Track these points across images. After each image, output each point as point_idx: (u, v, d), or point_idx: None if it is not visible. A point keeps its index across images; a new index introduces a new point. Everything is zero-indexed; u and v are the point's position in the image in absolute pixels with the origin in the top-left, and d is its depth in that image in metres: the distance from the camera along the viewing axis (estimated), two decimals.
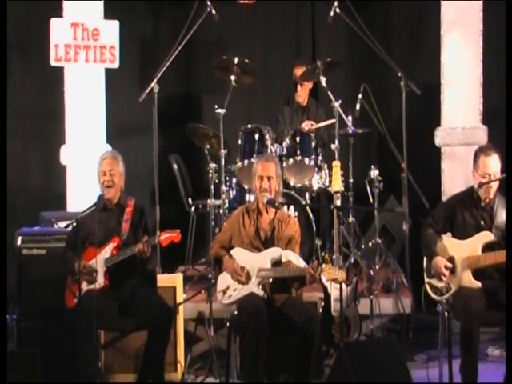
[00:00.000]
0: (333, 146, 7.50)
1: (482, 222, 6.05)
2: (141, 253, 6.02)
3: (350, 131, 7.55)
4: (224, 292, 6.09)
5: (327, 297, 6.62)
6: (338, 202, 7.13)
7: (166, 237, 6.08)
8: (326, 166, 7.66)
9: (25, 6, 8.42)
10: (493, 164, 6.01)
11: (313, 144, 7.68)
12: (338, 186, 7.10)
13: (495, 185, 6.03)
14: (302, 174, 7.66)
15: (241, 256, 6.09)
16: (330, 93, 7.52)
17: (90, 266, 6.11)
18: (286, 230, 6.17)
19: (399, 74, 7.49)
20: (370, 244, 7.67)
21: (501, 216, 6.02)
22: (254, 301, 5.92)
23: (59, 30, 7.85)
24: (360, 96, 7.55)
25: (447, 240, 6.05)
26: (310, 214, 7.45)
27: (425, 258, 6.16)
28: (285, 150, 7.67)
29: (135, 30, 8.50)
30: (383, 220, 7.86)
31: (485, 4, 7.98)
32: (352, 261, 7.46)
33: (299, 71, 8.09)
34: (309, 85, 8.22)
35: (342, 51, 8.54)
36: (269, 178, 6.15)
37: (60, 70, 8.08)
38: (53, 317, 6.32)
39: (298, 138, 7.65)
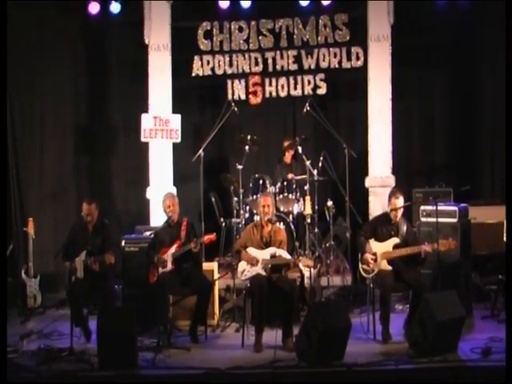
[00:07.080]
0: (305, 187, 7.54)
1: (392, 232, 6.17)
2: (193, 248, 6.10)
3: (316, 179, 7.58)
4: (242, 273, 6.13)
5: (302, 276, 6.66)
6: (309, 220, 7.16)
7: (207, 237, 6.17)
8: (301, 199, 7.64)
9: (128, 106, 8.52)
10: (399, 201, 6.15)
11: (293, 186, 7.70)
12: (308, 210, 7.18)
13: (400, 211, 6.15)
14: (287, 204, 7.67)
15: (252, 252, 6.15)
16: (303, 156, 7.61)
17: (162, 258, 6.17)
18: (278, 237, 6.21)
19: (344, 145, 7.57)
20: (327, 245, 7.64)
21: (402, 229, 6.15)
22: (259, 278, 5.99)
23: (146, 120, 7.94)
24: (321, 158, 7.61)
25: (372, 243, 6.15)
26: (292, 227, 7.48)
27: (359, 254, 6.24)
28: (277, 190, 7.69)
29: (190, 119, 8.49)
30: (335, 231, 7.81)
31: (393, 105, 8.04)
32: (317, 255, 7.43)
33: (286, 143, 8.13)
34: (292, 151, 8.19)
35: (311, 131, 8.50)
36: (268, 206, 6.21)
37: (146, 143, 8.15)
38: (142, 287, 6.34)
39: (285, 183, 7.70)
